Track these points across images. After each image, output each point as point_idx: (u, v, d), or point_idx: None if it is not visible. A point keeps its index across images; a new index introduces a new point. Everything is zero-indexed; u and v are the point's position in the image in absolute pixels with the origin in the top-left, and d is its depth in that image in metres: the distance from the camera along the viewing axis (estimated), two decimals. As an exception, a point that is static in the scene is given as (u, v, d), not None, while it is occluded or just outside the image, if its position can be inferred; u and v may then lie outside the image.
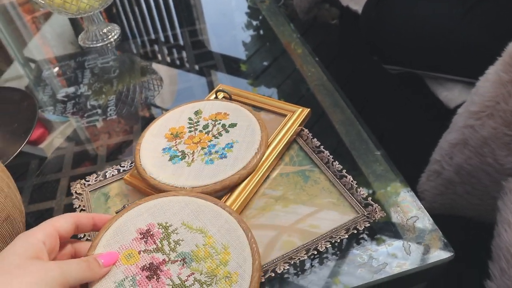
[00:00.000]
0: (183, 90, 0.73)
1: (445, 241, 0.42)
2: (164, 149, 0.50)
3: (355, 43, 1.24)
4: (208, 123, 0.52)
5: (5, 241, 0.40)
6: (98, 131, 0.66)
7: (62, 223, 0.36)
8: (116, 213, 0.41)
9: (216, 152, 0.48)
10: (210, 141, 0.50)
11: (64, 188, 0.57)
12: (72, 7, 0.74)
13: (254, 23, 0.89)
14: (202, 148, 0.49)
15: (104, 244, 0.38)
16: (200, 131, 0.51)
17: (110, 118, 0.68)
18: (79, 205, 0.50)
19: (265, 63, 0.74)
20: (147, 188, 0.48)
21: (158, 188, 0.46)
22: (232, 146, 0.48)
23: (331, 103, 0.60)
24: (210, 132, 0.51)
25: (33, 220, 0.53)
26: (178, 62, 0.81)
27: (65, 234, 0.36)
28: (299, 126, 0.53)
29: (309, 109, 0.54)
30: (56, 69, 0.83)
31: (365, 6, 0.89)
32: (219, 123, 0.52)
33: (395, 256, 0.41)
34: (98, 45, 0.84)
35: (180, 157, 0.49)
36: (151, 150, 0.50)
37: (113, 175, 0.53)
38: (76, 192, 0.52)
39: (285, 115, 0.54)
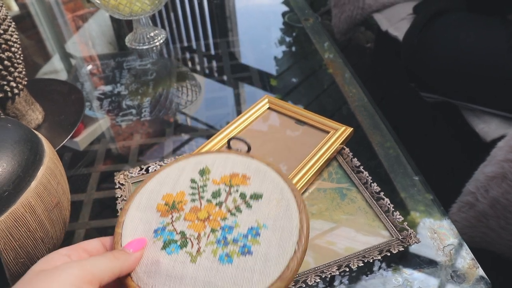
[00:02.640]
0: (214, 99, 0.74)
1: (482, 271, 0.42)
2: (156, 230, 0.35)
3: (390, 68, 1.25)
4: (219, 188, 0.36)
5: (54, 226, 0.42)
6: (131, 131, 0.68)
7: (88, 242, 0.34)
8: None
9: (235, 241, 0.32)
10: (225, 218, 0.34)
11: (95, 182, 0.58)
12: (125, 9, 0.77)
13: (287, 39, 0.91)
14: (213, 231, 0.33)
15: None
16: (209, 200, 0.36)
17: (143, 119, 0.69)
18: (121, 195, 0.52)
19: (298, 80, 0.75)
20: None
21: None
22: (258, 235, 0.33)
23: (372, 125, 0.61)
24: (224, 205, 0.35)
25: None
26: (209, 71, 0.82)
27: (94, 251, 0.34)
28: (340, 144, 0.53)
29: (352, 128, 0.55)
30: (95, 66, 0.86)
31: (407, 32, 0.90)
32: (236, 191, 0.36)
33: (429, 284, 0.41)
34: (144, 47, 0.87)
35: (179, 243, 0.33)
36: (139, 234, 0.35)
37: (155, 170, 0.55)
38: (119, 183, 0.54)
39: (327, 132, 0.55)
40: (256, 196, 0.35)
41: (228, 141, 0.40)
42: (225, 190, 0.36)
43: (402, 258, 0.43)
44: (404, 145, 0.57)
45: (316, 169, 0.50)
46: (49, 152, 0.43)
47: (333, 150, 0.52)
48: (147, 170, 0.55)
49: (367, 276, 0.42)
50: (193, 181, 0.37)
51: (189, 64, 0.86)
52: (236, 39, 0.92)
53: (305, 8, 0.99)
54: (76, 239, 0.51)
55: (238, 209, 0.35)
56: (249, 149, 0.40)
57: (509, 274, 0.57)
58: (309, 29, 0.88)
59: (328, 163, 0.53)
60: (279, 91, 0.74)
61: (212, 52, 0.89)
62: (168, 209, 0.35)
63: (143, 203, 0.36)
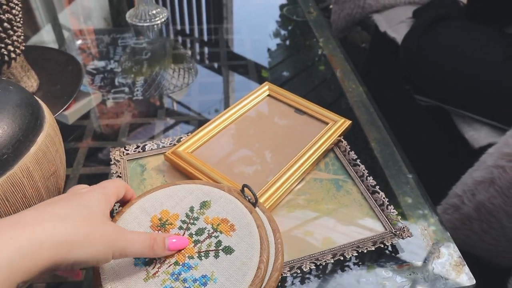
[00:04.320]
0: (208, 85, 0.74)
1: (468, 270, 0.43)
2: None
3: (384, 69, 1.27)
4: (205, 228, 0.37)
5: (49, 194, 0.41)
6: (121, 108, 0.67)
7: (123, 188, 0.39)
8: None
9: (184, 281, 0.34)
10: (191, 257, 0.35)
11: (82, 157, 0.58)
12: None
13: (283, 32, 0.91)
14: (176, 263, 0.35)
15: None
16: (191, 235, 0.37)
17: (135, 98, 0.69)
18: (116, 171, 0.52)
19: (291, 72, 0.76)
20: (188, 169, 0.49)
21: None
22: (205, 284, 0.33)
23: (369, 121, 0.61)
24: (199, 245, 0.36)
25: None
26: (210, 57, 0.82)
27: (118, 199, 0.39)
28: (338, 136, 0.54)
29: (350, 121, 0.56)
30: (89, 40, 0.84)
31: (407, 35, 0.91)
32: (216, 237, 0.37)
33: (418, 277, 0.42)
34: (145, 24, 0.86)
35: (146, 259, 0.35)
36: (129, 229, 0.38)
37: (152, 149, 0.55)
38: (114, 159, 0.53)
39: (326, 123, 0.56)
40: (228, 251, 0.36)
41: (243, 187, 0.40)
42: (208, 232, 0.37)
43: (391, 252, 0.45)
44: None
45: (314, 159, 0.51)
46: (49, 119, 0.43)
47: (331, 142, 0.53)
48: (143, 149, 0.55)
49: (359, 266, 0.43)
50: (191, 209, 0.39)
51: (187, 47, 0.85)
52: (235, 26, 0.91)
53: (309, 1, 0.99)
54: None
55: (206, 254, 0.36)
56: (256, 201, 0.39)
57: (487, 277, 0.59)
58: (312, 22, 0.89)
59: (325, 154, 0.54)
60: (275, 82, 0.74)
61: (211, 37, 0.88)
62: (159, 225, 0.38)
63: (146, 206, 0.40)
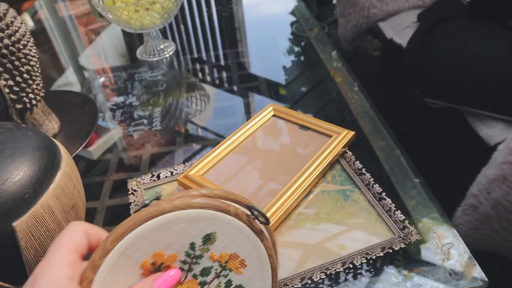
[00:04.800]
0: (223, 109, 0.76)
1: (480, 269, 0.43)
2: None
3: (396, 75, 1.27)
4: (212, 266, 0.32)
5: (70, 227, 0.44)
6: (142, 140, 0.71)
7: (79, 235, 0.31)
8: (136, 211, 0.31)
9: None
10: None
11: (108, 190, 0.61)
12: (136, 23, 0.80)
13: (296, 49, 0.94)
14: None
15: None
16: (195, 276, 0.32)
17: (154, 129, 0.72)
18: (134, 200, 0.55)
19: (305, 88, 0.78)
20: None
21: None
22: None
23: (373, 130, 0.62)
24: (206, 287, 0.32)
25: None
26: (219, 82, 0.85)
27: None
28: (343, 147, 0.55)
29: (353, 132, 0.57)
30: (107, 78, 0.89)
31: (410, 39, 0.92)
32: (226, 276, 0.32)
33: (428, 280, 0.43)
34: (155, 59, 0.90)
35: None
36: (114, 283, 0.29)
37: (166, 177, 0.58)
38: (132, 189, 0.56)
39: (330, 136, 0.57)
40: None
41: (250, 209, 0.32)
42: (216, 271, 0.32)
43: (401, 256, 0.45)
44: (411, 150, 0.59)
45: (320, 170, 0.53)
46: (65, 158, 0.46)
47: (336, 153, 0.54)
48: (158, 177, 0.58)
49: (370, 273, 0.44)
50: (192, 246, 0.31)
51: (199, 74, 0.89)
52: (245, 50, 0.95)
53: (309, 18, 1.01)
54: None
55: None
56: (267, 221, 0.33)
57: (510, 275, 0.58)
58: (314, 39, 0.91)
59: (331, 166, 0.55)
60: (287, 100, 0.76)
61: (222, 62, 0.92)
62: (152, 270, 0.31)
63: (130, 253, 0.29)
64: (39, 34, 1.14)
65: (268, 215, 0.47)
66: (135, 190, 0.57)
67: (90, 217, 0.57)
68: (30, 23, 1.21)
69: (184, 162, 0.60)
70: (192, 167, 0.55)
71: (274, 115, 0.63)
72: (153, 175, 0.58)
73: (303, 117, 0.62)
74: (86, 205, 0.59)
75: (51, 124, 0.68)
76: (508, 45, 0.77)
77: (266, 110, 0.64)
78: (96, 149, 0.71)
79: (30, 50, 0.60)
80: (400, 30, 1.12)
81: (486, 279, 0.42)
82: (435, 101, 0.89)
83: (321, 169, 0.52)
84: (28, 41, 0.60)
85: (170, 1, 0.80)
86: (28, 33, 0.61)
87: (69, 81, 0.92)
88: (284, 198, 0.49)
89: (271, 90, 0.79)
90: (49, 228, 0.41)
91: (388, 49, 1.25)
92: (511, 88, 0.75)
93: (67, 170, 0.45)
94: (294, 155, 0.56)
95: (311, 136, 0.59)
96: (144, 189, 0.57)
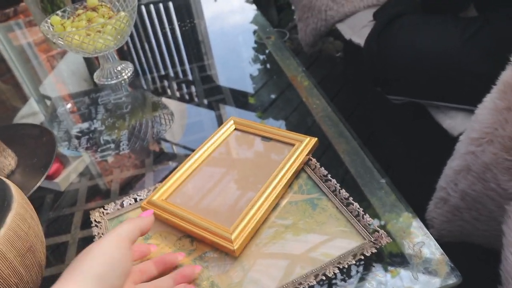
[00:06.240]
0: (193, 124, 0.76)
1: (452, 266, 0.43)
2: None
3: (359, 75, 1.28)
4: None
5: (29, 270, 0.42)
6: (111, 165, 0.69)
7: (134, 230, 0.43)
8: None
9: None
10: None
11: (78, 221, 0.58)
12: (89, 47, 0.78)
13: (261, 57, 0.93)
14: None
15: None
16: None
17: (122, 153, 0.70)
18: (98, 233, 0.52)
19: (273, 96, 0.77)
20: (164, 215, 0.50)
21: None
22: None
23: (336, 134, 0.62)
24: None
25: (49, 252, 0.55)
26: (188, 97, 0.84)
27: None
28: (306, 155, 0.55)
29: (316, 139, 0.56)
30: (70, 105, 0.87)
31: (367, 39, 0.93)
32: None
33: (403, 282, 0.42)
34: (113, 82, 0.88)
35: None
36: None
37: (130, 204, 0.56)
38: (95, 220, 0.54)
39: (293, 145, 0.56)
40: None
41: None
42: None
43: (374, 261, 0.44)
44: (379, 149, 0.58)
45: (285, 181, 0.52)
46: (17, 198, 0.44)
47: (299, 162, 0.53)
48: (122, 205, 0.56)
49: (345, 282, 0.43)
50: None
51: (165, 91, 0.87)
52: (211, 62, 0.94)
53: (266, 26, 1.01)
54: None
55: None
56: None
57: (488, 263, 0.58)
58: (272, 47, 0.91)
59: (296, 175, 0.54)
60: (255, 109, 0.75)
61: (188, 77, 0.91)
62: None
63: None
64: (-1, 64, 1.10)
65: (236, 232, 0.46)
66: (98, 222, 0.54)
67: (61, 251, 0.54)
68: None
69: (154, 184, 0.59)
70: (155, 191, 0.54)
71: (235, 129, 0.62)
72: (116, 204, 0.56)
73: (264, 127, 0.61)
74: (58, 239, 0.56)
75: (7, 161, 0.65)
76: (460, 36, 0.78)
77: (227, 124, 0.63)
78: (63, 179, 0.68)
79: (-26, 86, 0.58)
80: (358, 29, 1.14)
81: (460, 276, 0.42)
82: (397, 97, 0.90)
83: (286, 180, 0.52)
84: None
85: (122, 22, 0.78)
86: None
87: (32, 110, 0.89)
88: (250, 214, 0.48)
89: (238, 100, 0.78)
90: (3, 275, 0.39)
91: (349, 49, 1.26)
92: (467, 78, 0.76)
93: (19, 211, 0.43)
94: (258, 167, 0.55)
95: (273, 146, 0.58)
96: (108, 219, 0.55)
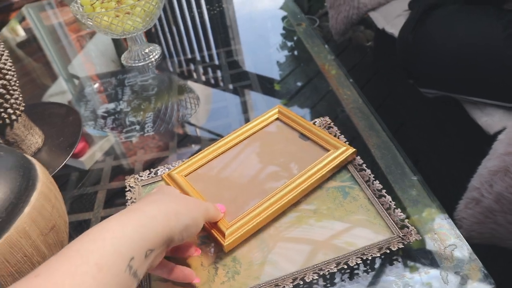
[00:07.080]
0: (217, 109, 0.75)
1: (485, 272, 0.41)
2: None
3: (390, 65, 1.24)
4: None
5: (51, 249, 0.42)
6: (135, 146, 0.69)
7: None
8: None
9: None
10: None
11: (102, 200, 0.59)
12: (117, 29, 0.78)
13: (289, 44, 0.91)
14: None
15: None
16: None
17: (147, 135, 0.70)
18: (131, 197, 0.54)
19: (299, 84, 0.75)
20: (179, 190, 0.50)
21: None
22: None
23: (367, 126, 0.60)
24: None
25: (72, 230, 0.55)
26: (213, 82, 0.83)
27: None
28: (336, 166, 0.51)
29: (354, 150, 0.52)
30: (98, 85, 0.87)
31: (401, 30, 0.89)
32: None
33: (431, 286, 0.40)
34: (140, 64, 0.88)
35: None
36: None
37: (163, 173, 0.57)
38: (129, 185, 0.56)
39: (328, 150, 0.53)
40: None
41: None
42: None
43: (402, 261, 0.43)
44: (408, 142, 0.56)
45: (300, 191, 0.48)
46: (42, 177, 0.44)
47: (325, 171, 0.50)
48: (156, 173, 0.57)
49: (367, 274, 0.41)
50: None
51: (191, 75, 0.86)
52: (238, 48, 0.92)
53: (297, 13, 0.98)
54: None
55: None
56: None
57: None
58: (302, 34, 0.88)
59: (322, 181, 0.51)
60: (281, 96, 0.73)
61: (215, 62, 0.89)
62: None
63: None
64: (31, 43, 1.12)
65: (231, 229, 0.45)
66: (132, 187, 0.56)
67: (83, 229, 0.54)
68: (22, 33, 1.19)
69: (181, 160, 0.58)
70: (177, 166, 0.54)
71: (277, 118, 0.60)
72: (150, 172, 0.58)
73: (306, 125, 0.57)
74: (80, 217, 0.57)
75: (34, 139, 0.65)
76: (504, 29, 0.74)
77: (271, 112, 0.60)
78: (87, 159, 0.69)
79: (4, 63, 0.58)
80: (392, 19, 1.10)
81: (494, 283, 0.40)
82: (430, 90, 0.86)
83: (301, 189, 0.48)
84: (1, 54, 0.57)
85: (151, 4, 0.77)
86: (1, 45, 0.58)
87: (60, 89, 0.90)
88: (253, 215, 0.46)
89: (264, 87, 0.76)
90: (26, 253, 0.39)
91: (381, 39, 1.22)
92: (508, 73, 0.72)
93: (44, 190, 0.43)
94: (283, 167, 0.53)
95: (308, 147, 0.55)
96: (141, 185, 0.56)
